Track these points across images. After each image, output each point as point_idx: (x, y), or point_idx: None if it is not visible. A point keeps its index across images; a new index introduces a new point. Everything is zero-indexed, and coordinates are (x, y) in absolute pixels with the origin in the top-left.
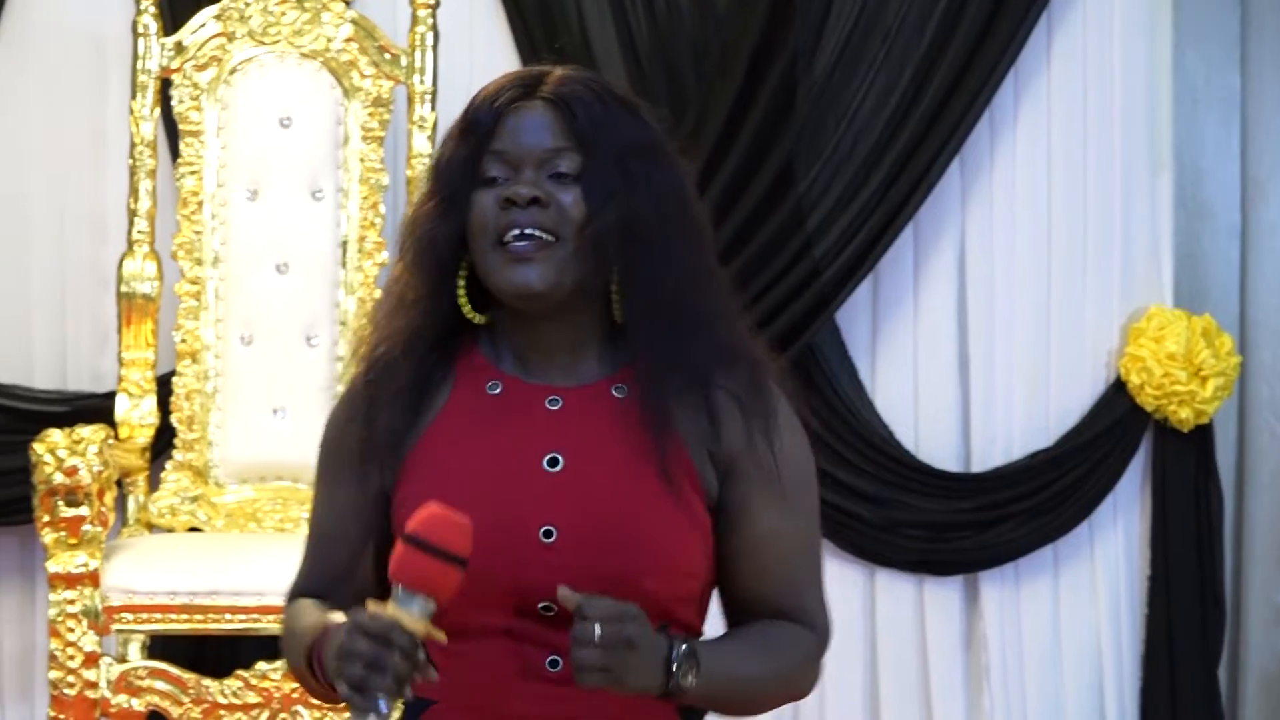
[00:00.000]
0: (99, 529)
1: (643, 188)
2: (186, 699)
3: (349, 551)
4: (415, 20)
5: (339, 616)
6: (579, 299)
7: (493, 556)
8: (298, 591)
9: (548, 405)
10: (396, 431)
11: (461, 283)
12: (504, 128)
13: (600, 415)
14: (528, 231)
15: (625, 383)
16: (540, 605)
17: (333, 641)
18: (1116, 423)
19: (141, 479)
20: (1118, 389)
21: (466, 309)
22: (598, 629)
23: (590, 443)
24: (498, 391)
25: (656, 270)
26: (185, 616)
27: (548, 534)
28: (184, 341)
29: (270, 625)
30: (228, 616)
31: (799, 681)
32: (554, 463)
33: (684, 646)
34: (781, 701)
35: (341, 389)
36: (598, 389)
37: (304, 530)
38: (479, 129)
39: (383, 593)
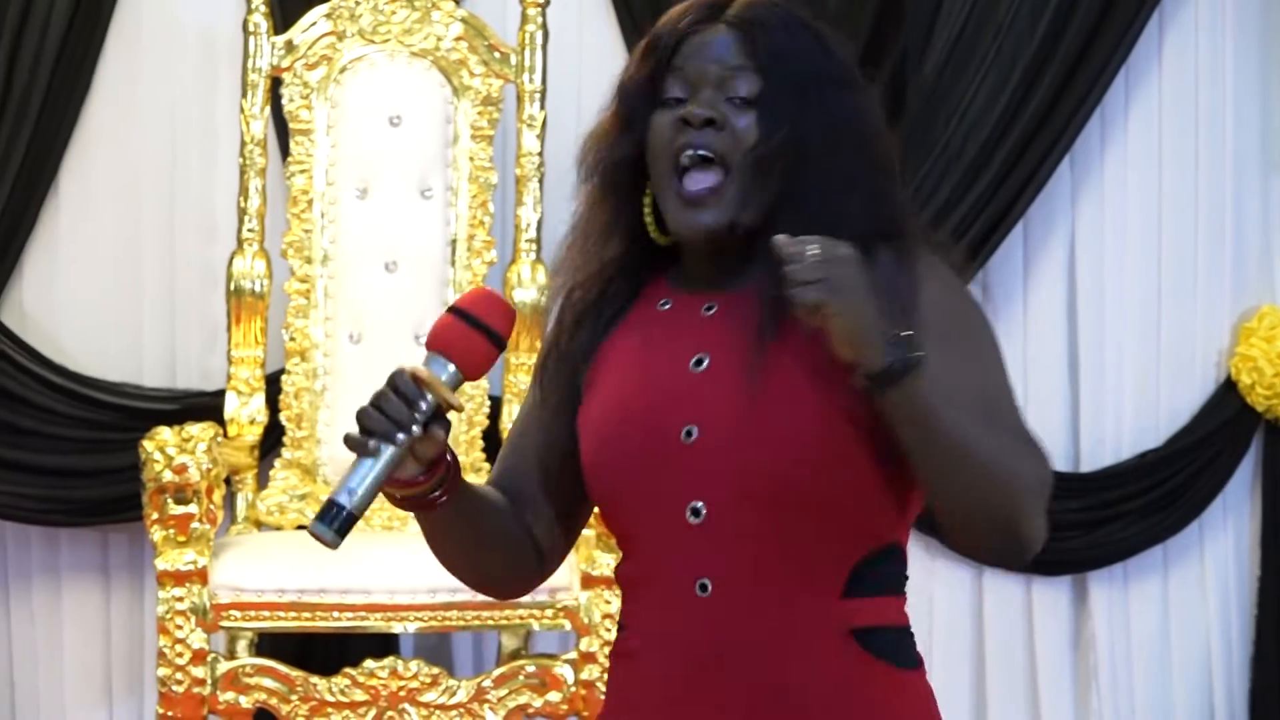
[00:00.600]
0: (207, 527)
1: (818, 114)
2: (294, 696)
3: (532, 457)
4: (525, 19)
5: None
6: (759, 227)
7: (635, 460)
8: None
9: (703, 312)
10: (575, 352)
11: (647, 204)
12: (686, 48)
13: (754, 315)
14: (701, 154)
15: None
16: (688, 509)
17: None
18: (1227, 422)
19: (250, 477)
20: (1228, 389)
21: (652, 230)
22: (812, 247)
23: (738, 340)
24: (667, 307)
25: (823, 197)
26: (293, 614)
27: (688, 433)
28: (293, 340)
29: (378, 623)
30: (335, 614)
31: (1022, 479)
32: (699, 363)
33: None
34: (1000, 492)
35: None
36: (754, 291)
37: (412, 528)
38: (660, 49)
39: (570, 504)
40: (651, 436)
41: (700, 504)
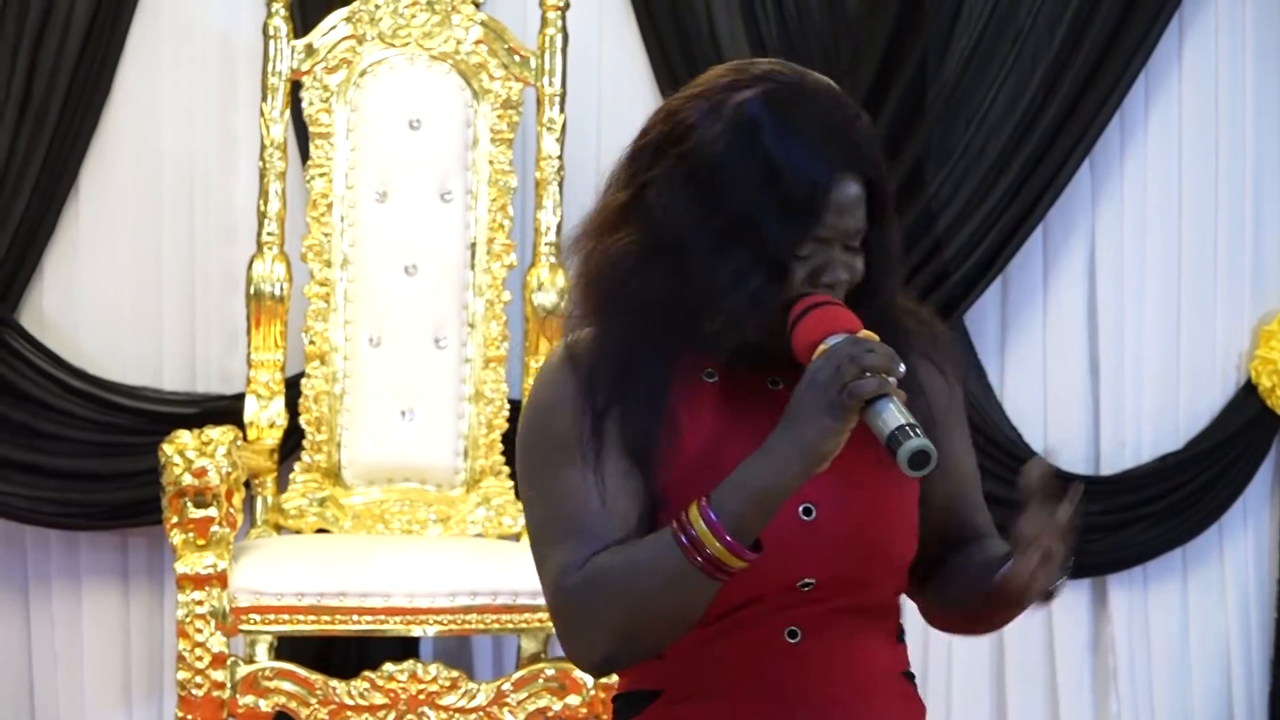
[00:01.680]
0: (227, 530)
1: (897, 235)
2: (314, 700)
3: (625, 532)
4: (545, 22)
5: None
6: None
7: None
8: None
9: (770, 386)
10: (651, 432)
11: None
12: (831, 206)
13: None
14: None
15: None
16: (799, 583)
17: (796, 401)
18: (1247, 425)
19: (270, 480)
20: (1248, 392)
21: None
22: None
23: None
24: (714, 380)
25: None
26: (313, 618)
27: (807, 511)
28: (313, 343)
29: (397, 626)
30: (355, 618)
31: None
32: None
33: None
34: None
35: (470, 390)
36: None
37: (431, 531)
38: (801, 208)
39: None
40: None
41: (812, 579)
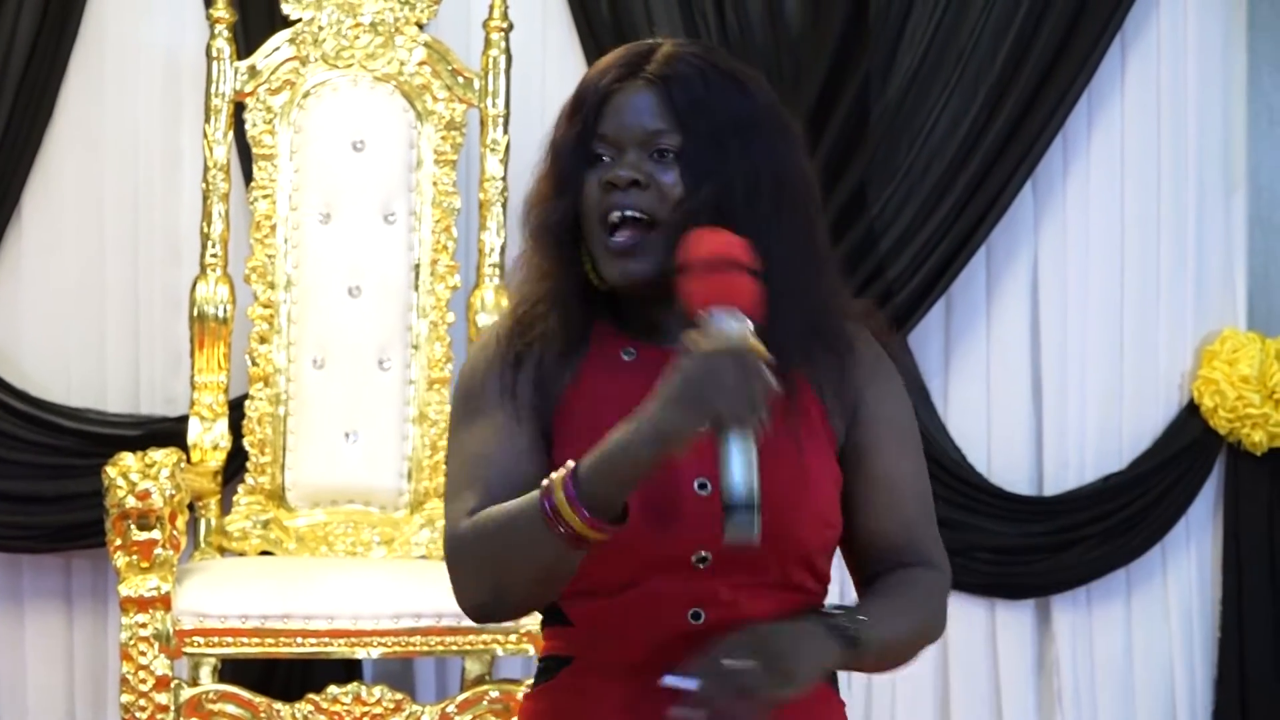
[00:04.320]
0: (171, 553)
1: (738, 164)
2: None
3: (524, 485)
4: (488, 44)
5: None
6: None
7: (650, 511)
8: (479, 508)
9: None
10: (549, 386)
11: (585, 256)
12: (609, 108)
13: None
14: (628, 214)
15: None
16: (694, 558)
17: (667, 385)
18: (1189, 446)
19: (213, 502)
20: (1191, 412)
21: (594, 278)
22: (742, 661)
23: None
24: (632, 357)
25: (763, 243)
26: (256, 640)
27: (703, 485)
28: (256, 365)
29: (341, 648)
30: (299, 640)
31: (937, 628)
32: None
33: (842, 612)
34: (921, 650)
35: (414, 411)
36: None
37: (375, 553)
38: (586, 109)
39: None
40: (664, 490)
41: (707, 554)
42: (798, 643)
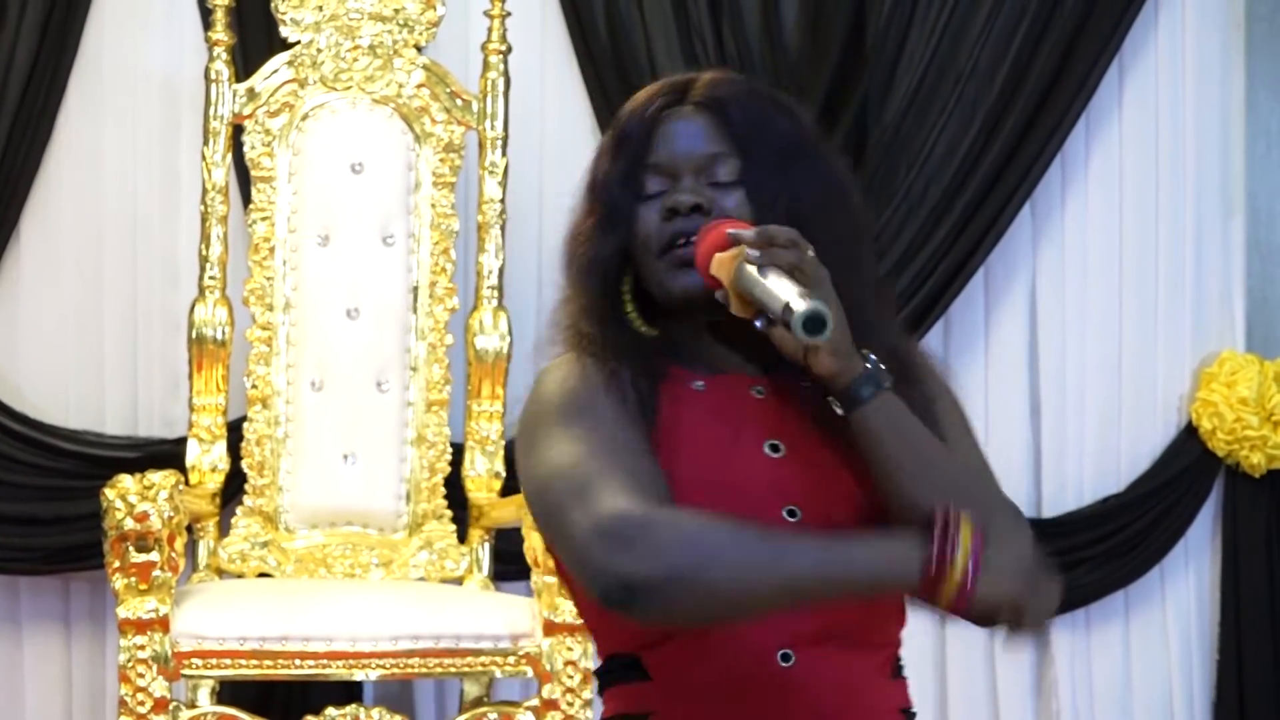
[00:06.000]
0: (169, 574)
1: (805, 187)
2: None
3: (658, 483)
4: (487, 66)
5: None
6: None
7: None
8: (658, 501)
9: (754, 394)
10: (641, 426)
11: (628, 297)
12: (658, 138)
13: (798, 400)
14: (694, 239)
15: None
16: None
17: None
18: (1188, 468)
19: (212, 525)
20: (1189, 434)
21: (636, 322)
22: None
23: (798, 427)
24: (702, 387)
25: (830, 268)
26: (255, 662)
27: (792, 513)
28: (255, 387)
29: (339, 670)
30: (297, 662)
31: (1001, 510)
32: (775, 449)
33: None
34: (973, 501)
35: (412, 433)
36: (789, 376)
37: (374, 574)
38: (633, 141)
39: None
40: (756, 517)
41: None
42: (826, 288)
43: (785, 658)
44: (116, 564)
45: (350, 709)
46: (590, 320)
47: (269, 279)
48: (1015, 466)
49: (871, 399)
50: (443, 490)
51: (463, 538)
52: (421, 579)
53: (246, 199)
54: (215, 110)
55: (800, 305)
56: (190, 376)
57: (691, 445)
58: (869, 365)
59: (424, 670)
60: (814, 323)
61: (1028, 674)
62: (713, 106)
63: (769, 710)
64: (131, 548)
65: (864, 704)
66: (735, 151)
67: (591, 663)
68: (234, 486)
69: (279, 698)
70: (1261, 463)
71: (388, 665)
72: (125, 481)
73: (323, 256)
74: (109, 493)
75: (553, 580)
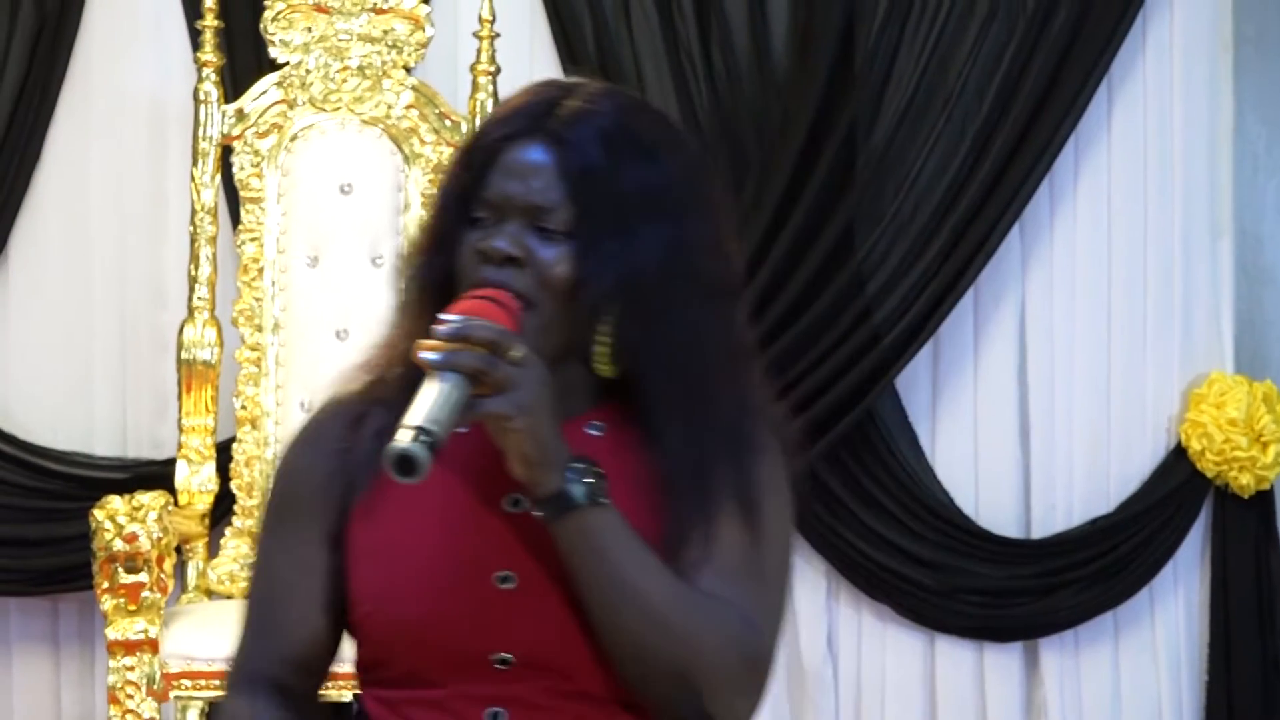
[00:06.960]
0: (158, 596)
1: (646, 247)
2: None
3: (306, 608)
4: (475, 87)
5: None
6: (561, 356)
7: (444, 603)
8: (242, 673)
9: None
10: (358, 471)
11: None
12: (497, 168)
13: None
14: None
15: (602, 419)
16: (493, 658)
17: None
18: (1177, 489)
19: (201, 545)
20: (1178, 455)
21: None
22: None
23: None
24: (464, 430)
25: (662, 339)
26: None
27: (504, 579)
28: (244, 408)
29: (329, 691)
30: None
31: (711, 641)
32: (516, 503)
33: (591, 466)
34: (677, 662)
35: None
36: (570, 427)
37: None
38: (473, 165)
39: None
40: (462, 580)
41: (509, 655)
42: (545, 400)
43: (495, 717)
44: (105, 585)
45: None
46: (405, 340)
47: (258, 300)
48: (1004, 487)
49: (558, 519)
50: None
51: None
52: None
53: (235, 220)
54: (204, 131)
55: (400, 439)
56: (179, 397)
57: (410, 498)
58: (570, 480)
59: None
60: (405, 463)
61: (1017, 695)
62: (559, 144)
63: None
64: (120, 569)
65: None
66: (570, 199)
67: None
68: (223, 507)
69: None
70: (1251, 484)
71: None
72: (114, 502)
73: (312, 277)
74: (98, 514)
75: None
